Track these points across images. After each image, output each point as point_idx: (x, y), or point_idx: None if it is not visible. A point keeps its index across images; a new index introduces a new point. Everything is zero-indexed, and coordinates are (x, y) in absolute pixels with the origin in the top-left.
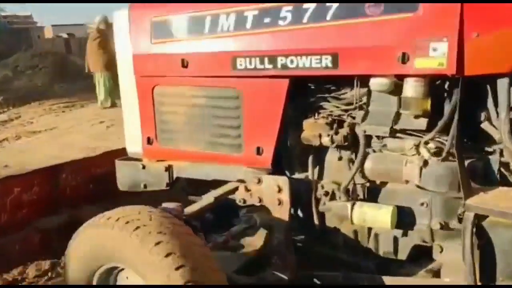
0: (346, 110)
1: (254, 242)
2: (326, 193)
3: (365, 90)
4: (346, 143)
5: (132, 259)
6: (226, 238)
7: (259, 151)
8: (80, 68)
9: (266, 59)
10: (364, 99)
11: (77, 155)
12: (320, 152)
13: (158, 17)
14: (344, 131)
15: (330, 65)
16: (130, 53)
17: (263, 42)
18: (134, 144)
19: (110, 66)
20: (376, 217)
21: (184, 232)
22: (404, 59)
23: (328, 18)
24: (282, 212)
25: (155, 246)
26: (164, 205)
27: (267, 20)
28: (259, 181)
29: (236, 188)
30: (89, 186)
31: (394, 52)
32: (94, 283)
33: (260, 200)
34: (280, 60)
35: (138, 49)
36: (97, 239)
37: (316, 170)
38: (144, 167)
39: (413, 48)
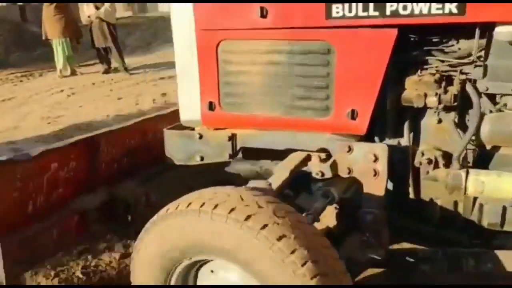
0: (456, 66)
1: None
2: (430, 161)
3: (482, 42)
4: (455, 103)
5: (235, 251)
6: (314, 217)
7: (353, 115)
8: (37, 35)
9: (371, 5)
10: (482, 53)
11: (39, 125)
12: (417, 115)
13: None
14: (454, 89)
15: (455, 11)
16: (189, 2)
17: None
18: (190, 110)
19: (69, 31)
20: (498, 186)
21: (299, 219)
22: None
23: None
24: (377, 184)
25: (278, 241)
26: (252, 184)
27: None
28: (350, 149)
29: (309, 158)
30: (125, 159)
31: None
32: (173, 282)
33: (350, 172)
34: (390, 6)
35: None
36: (179, 231)
37: (411, 135)
38: (201, 136)
39: None
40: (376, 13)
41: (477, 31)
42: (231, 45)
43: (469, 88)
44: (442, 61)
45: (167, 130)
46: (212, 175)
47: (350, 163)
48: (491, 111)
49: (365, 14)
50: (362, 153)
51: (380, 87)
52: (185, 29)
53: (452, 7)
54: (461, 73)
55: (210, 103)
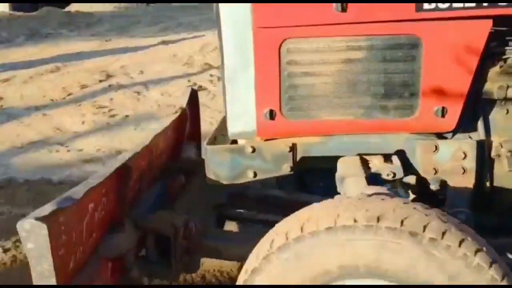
0: None
1: None
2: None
3: None
4: None
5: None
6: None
7: (443, 113)
8: None
9: None
10: None
11: None
12: (489, 107)
13: None
14: None
15: None
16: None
17: None
18: (242, 121)
19: None
20: None
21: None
22: None
23: None
24: (466, 182)
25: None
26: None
27: None
28: (436, 148)
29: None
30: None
31: None
32: None
33: (436, 172)
34: None
35: None
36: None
37: (485, 128)
38: (254, 150)
39: None
40: (472, 4)
41: None
42: (299, 43)
43: None
44: None
45: (210, 146)
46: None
47: (436, 163)
48: None
49: (460, 5)
50: (450, 152)
51: (472, 81)
52: (239, 28)
53: None
54: None
55: (271, 111)
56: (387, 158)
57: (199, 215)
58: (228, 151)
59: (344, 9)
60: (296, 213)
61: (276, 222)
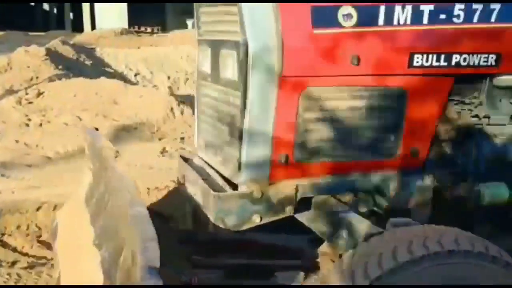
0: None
1: None
2: None
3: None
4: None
5: None
6: None
7: (415, 153)
8: None
9: (442, 56)
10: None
11: None
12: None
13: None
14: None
15: (493, 63)
16: (276, 46)
17: (440, 39)
18: (256, 167)
19: None
20: None
21: None
22: None
23: (493, 20)
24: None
25: None
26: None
27: (442, 16)
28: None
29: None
30: None
31: None
32: None
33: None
34: (455, 58)
35: (290, 41)
36: None
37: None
38: (263, 194)
39: None
40: (445, 63)
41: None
42: (316, 92)
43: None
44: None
45: (219, 194)
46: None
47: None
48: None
49: (437, 64)
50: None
51: (436, 126)
52: (266, 76)
53: (492, 60)
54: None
55: (286, 156)
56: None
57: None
58: (238, 198)
59: (358, 63)
60: None
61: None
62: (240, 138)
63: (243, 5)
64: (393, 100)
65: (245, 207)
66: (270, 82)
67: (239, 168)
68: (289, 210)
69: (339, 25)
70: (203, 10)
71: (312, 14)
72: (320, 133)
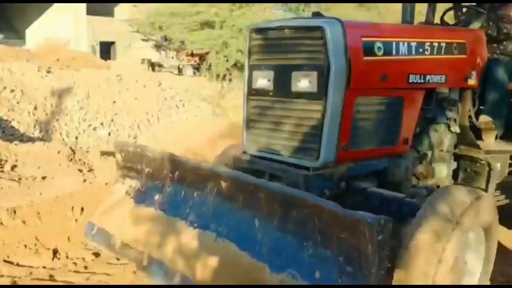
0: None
1: None
2: None
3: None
4: None
5: None
6: None
7: (406, 141)
8: None
9: (421, 76)
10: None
11: None
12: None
13: (367, 38)
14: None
15: (443, 81)
16: (345, 68)
17: (420, 65)
18: (327, 154)
19: None
20: None
21: None
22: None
23: (442, 53)
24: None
25: None
26: None
27: (421, 50)
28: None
29: None
30: None
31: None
32: None
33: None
34: (426, 77)
35: (354, 65)
36: None
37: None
38: (331, 174)
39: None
40: (423, 81)
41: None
42: (362, 99)
43: None
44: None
45: (308, 174)
46: None
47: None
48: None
49: (421, 81)
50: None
51: (417, 122)
52: (339, 88)
53: (442, 79)
54: None
55: (346, 145)
56: None
57: None
58: (317, 177)
59: (384, 80)
60: None
61: None
62: (320, 135)
63: (329, 39)
64: (398, 105)
65: (321, 184)
66: (341, 93)
67: (318, 156)
68: (343, 186)
69: (375, 54)
70: (261, 40)
71: (363, 46)
72: (362, 129)
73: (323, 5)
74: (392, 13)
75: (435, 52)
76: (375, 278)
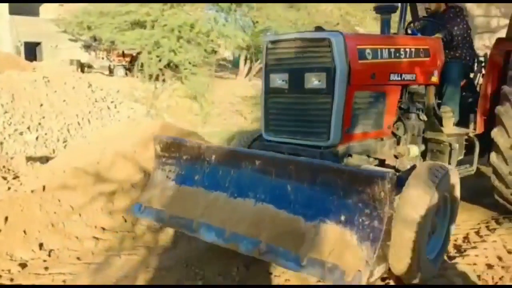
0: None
1: None
2: None
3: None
4: None
5: None
6: None
7: (389, 127)
8: None
9: (398, 75)
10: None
11: None
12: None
13: (360, 46)
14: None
15: (412, 79)
16: (347, 69)
17: (398, 66)
18: (337, 136)
19: None
20: None
21: None
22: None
23: (413, 56)
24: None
25: None
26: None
27: (398, 54)
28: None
29: None
30: None
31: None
32: None
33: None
34: (402, 76)
35: (352, 66)
36: None
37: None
38: (337, 151)
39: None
40: (399, 78)
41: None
42: (358, 93)
43: None
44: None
45: (324, 151)
46: None
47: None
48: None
49: (398, 78)
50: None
51: (396, 112)
52: (342, 85)
53: (412, 77)
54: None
55: (348, 129)
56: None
57: None
58: (329, 153)
59: (373, 77)
60: None
61: None
62: (329, 121)
63: (335, 46)
64: (383, 98)
65: (331, 159)
66: (344, 88)
67: (328, 138)
68: (345, 161)
69: (367, 59)
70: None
71: (357, 52)
72: (359, 116)
73: (254, 5)
74: (321, 13)
75: (407, 56)
76: (387, 215)
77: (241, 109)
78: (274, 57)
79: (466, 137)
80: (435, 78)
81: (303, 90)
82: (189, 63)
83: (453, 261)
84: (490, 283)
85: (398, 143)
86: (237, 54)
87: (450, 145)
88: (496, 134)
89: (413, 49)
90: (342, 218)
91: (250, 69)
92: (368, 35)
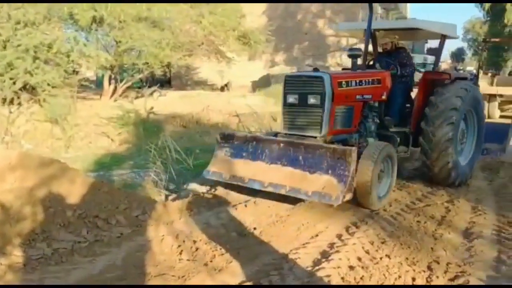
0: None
1: None
2: None
3: None
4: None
5: None
6: None
7: (355, 126)
8: None
9: (362, 96)
10: None
11: None
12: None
13: (339, 80)
14: None
15: (370, 98)
16: (331, 93)
17: (361, 90)
18: (325, 129)
19: None
20: None
21: None
22: None
23: (370, 84)
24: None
25: None
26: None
27: (361, 83)
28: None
29: None
30: None
31: None
32: None
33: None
34: (363, 96)
35: (335, 92)
36: None
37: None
38: (327, 139)
39: None
40: (361, 97)
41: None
42: (338, 107)
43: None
44: None
45: (319, 137)
46: None
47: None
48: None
49: (360, 98)
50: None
51: (358, 117)
52: (329, 102)
53: (370, 97)
54: None
55: (331, 127)
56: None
57: None
58: (322, 140)
59: (347, 98)
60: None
61: None
62: (321, 122)
63: (325, 81)
64: (352, 110)
65: (323, 143)
66: (330, 104)
67: (321, 131)
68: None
69: (342, 87)
70: (291, 81)
71: (337, 82)
72: (338, 120)
73: (116, 24)
74: (185, 33)
75: (367, 84)
76: (352, 169)
77: (108, 131)
78: (290, 85)
79: (404, 132)
80: (384, 97)
81: (306, 105)
82: (48, 84)
83: (320, 266)
84: (353, 283)
85: (361, 136)
86: (100, 74)
87: (393, 137)
88: (423, 125)
89: (370, 80)
90: (329, 171)
91: (115, 89)
92: (344, 73)
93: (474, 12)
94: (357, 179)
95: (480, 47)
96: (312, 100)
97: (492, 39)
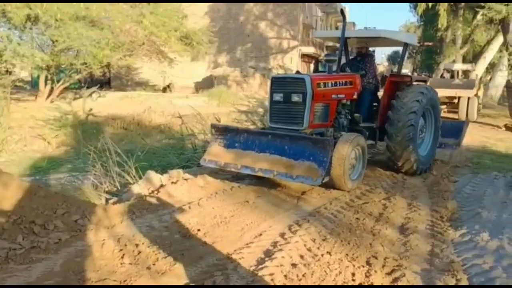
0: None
1: None
2: None
3: None
4: None
5: None
6: None
7: (332, 121)
8: None
9: (338, 95)
10: None
11: None
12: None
13: (318, 81)
14: None
15: (343, 97)
16: (311, 93)
17: (337, 90)
18: (306, 123)
19: None
20: None
21: None
22: None
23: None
24: None
25: None
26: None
27: (336, 84)
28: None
29: None
30: None
31: None
32: None
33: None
34: (339, 95)
35: (315, 92)
36: None
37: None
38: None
39: None
40: (336, 97)
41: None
42: (317, 104)
43: None
44: None
45: (301, 130)
46: None
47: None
48: None
49: (335, 97)
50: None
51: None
52: (310, 100)
53: (343, 96)
54: None
55: (311, 120)
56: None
57: None
58: (305, 132)
59: (325, 97)
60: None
61: None
62: (303, 116)
63: (307, 82)
64: (327, 107)
65: (304, 135)
66: (310, 102)
67: (302, 125)
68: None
69: (321, 88)
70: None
71: (316, 83)
72: (317, 115)
73: (53, 23)
74: (125, 33)
75: (341, 85)
76: (330, 156)
77: (44, 134)
78: (276, 85)
79: (372, 128)
80: (355, 96)
81: (290, 102)
82: None
83: (263, 264)
84: (295, 280)
85: (335, 130)
86: (36, 74)
87: (362, 131)
88: (387, 126)
89: (343, 81)
90: (311, 158)
91: (51, 90)
92: (323, 75)
93: (409, 16)
94: (334, 160)
95: (414, 51)
96: (295, 98)
97: (426, 43)
